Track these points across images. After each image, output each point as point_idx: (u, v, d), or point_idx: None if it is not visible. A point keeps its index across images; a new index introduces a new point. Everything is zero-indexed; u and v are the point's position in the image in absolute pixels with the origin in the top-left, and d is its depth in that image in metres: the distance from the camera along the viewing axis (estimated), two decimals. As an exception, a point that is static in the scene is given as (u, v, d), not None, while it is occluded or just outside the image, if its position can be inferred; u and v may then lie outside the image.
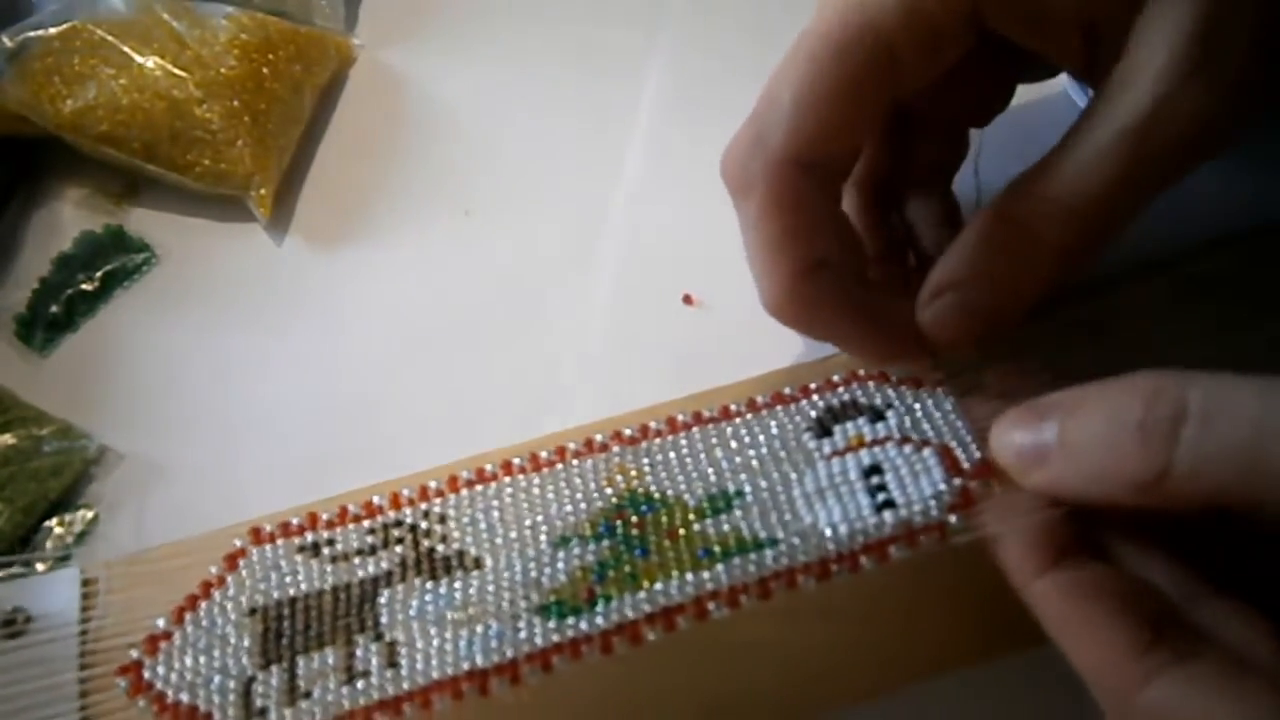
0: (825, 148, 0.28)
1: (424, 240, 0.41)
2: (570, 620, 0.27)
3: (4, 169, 0.42)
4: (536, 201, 0.41)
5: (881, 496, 0.27)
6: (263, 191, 0.41)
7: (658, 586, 0.27)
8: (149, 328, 0.40)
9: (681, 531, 0.28)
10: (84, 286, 0.40)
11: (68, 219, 0.42)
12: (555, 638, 0.27)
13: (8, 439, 0.36)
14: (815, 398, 0.30)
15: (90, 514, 0.35)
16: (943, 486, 0.27)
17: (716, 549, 0.27)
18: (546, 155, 0.42)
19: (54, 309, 0.40)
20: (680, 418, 0.30)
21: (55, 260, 0.41)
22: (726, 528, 0.27)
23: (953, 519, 0.27)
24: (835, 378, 0.30)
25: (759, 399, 0.30)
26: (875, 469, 0.28)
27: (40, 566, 0.34)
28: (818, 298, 0.29)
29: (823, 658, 0.30)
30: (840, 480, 0.28)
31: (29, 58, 0.41)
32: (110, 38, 0.41)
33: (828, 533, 0.27)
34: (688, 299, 0.38)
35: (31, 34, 0.41)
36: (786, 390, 0.30)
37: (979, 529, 0.27)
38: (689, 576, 0.27)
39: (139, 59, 0.40)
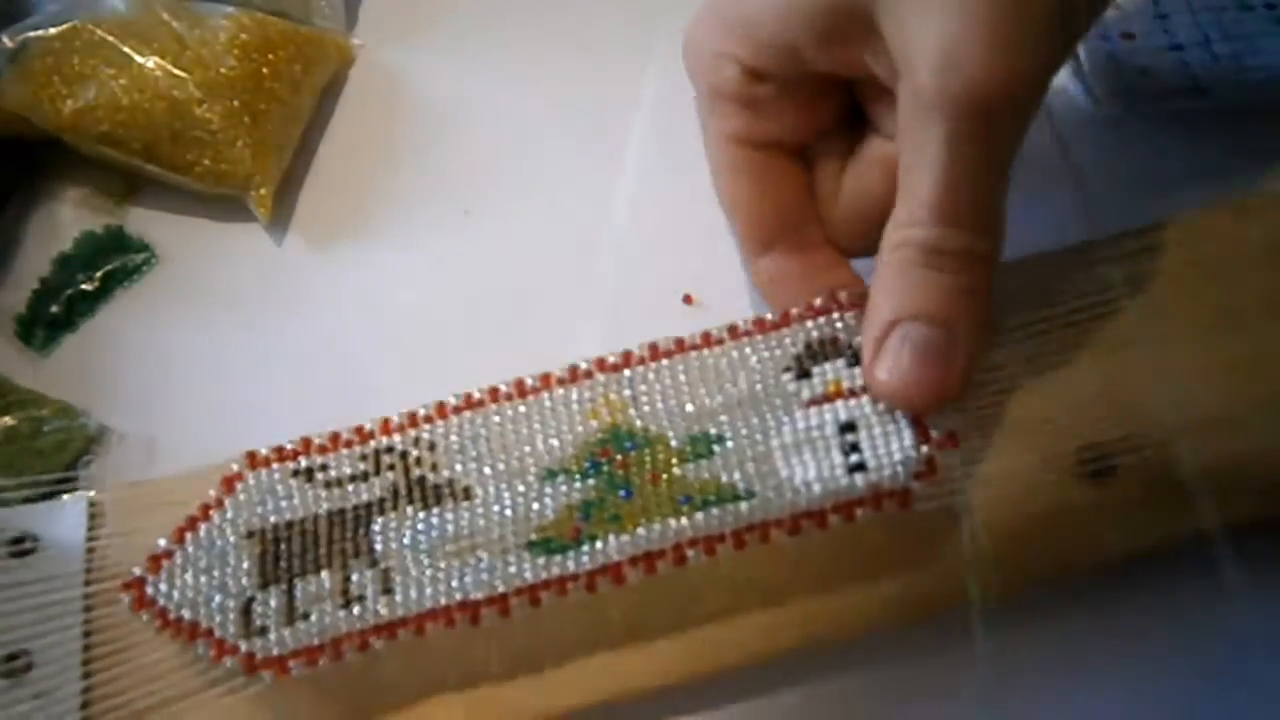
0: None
1: (424, 240, 0.41)
2: (558, 558, 0.28)
3: (4, 169, 0.42)
4: (536, 201, 0.41)
5: (854, 457, 0.29)
6: (263, 191, 0.40)
7: (640, 531, 0.28)
8: (149, 328, 0.40)
9: (664, 476, 0.29)
10: (84, 286, 0.40)
11: (68, 219, 0.42)
12: (544, 574, 0.28)
13: (7, 420, 0.36)
14: (796, 327, 0.31)
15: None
16: (912, 453, 0.28)
17: (696, 496, 0.29)
18: (546, 155, 0.42)
19: (54, 309, 0.40)
20: (661, 345, 0.31)
21: (55, 260, 0.41)
22: (707, 475, 0.29)
23: (917, 486, 0.28)
24: (817, 301, 0.31)
25: (740, 324, 0.31)
26: (850, 426, 0.29)
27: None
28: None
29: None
30: (817, 435, 0.29)
31: (29, 58, 0.41)
32: (110, 38, 0.41)
33: (802, 489, 0.28)
34: (688, 299, 0.38)
35: (31, 34, 0.41)
36: (768, 316, 0.31)
37: (939, 498, 0.28)
38: (670, 522, 0.28)
39: (139, 59, 0.40)
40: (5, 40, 0.41)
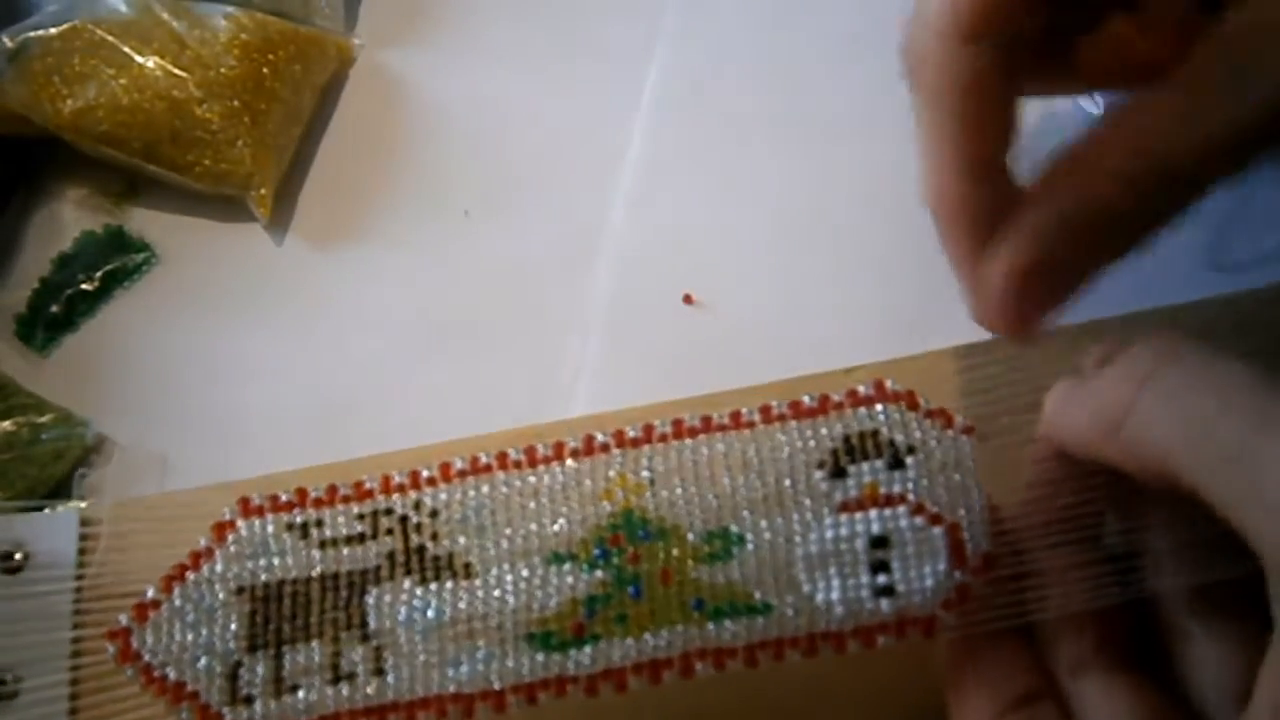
0: (987, 17, 0.25)
1: (424, 240, 0.41)
2: (557, 658, 0.27)
3: (4, 169, 0.42)
4: (536, 201, 0.41)
5: (883, 578, 0.26)
6: (263, 191, 0.40)
7: (647, 637, 0.26)
8: (149, 328, 0.40)
9: (677, 576, 0.27)
10: (84, 286, 0.40)
11: (68, 219, 0.42)
12: (542, 674, 0.27)
13: (7, 426, 0.36)
14: (834, 416, 0.28)
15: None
16: (943, 579, 0.26)
17: (709, 603, 0.27)
18: (546, 155, 0.42)
19: (54, 309, 0.40)
20: (687, 421, 0.29)
21: (55, 260, 0.41)
22: (722, 579, 0.27)
23: (944, 615, 0.26)
24: (861, 389, 0.28)
25: (774, 406, 0.29)
26: (883, 541, 0.27)
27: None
28: (977, 201, 0.25)
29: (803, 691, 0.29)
30: (845, 548, 0.27)
31: (29, 58, 0.41)
32: (110, 38, 0.41)
33: (823, 609, 0.26)
34: (688, 299, 0.38)
35: (31, 34, 0.41)
36: (805, 400, 0.29)
37: (966, 629, 0.26)
38: (680, 629, 0.26)
39: (139, 59, 0.40)
40: (5, 40, 0.41)
